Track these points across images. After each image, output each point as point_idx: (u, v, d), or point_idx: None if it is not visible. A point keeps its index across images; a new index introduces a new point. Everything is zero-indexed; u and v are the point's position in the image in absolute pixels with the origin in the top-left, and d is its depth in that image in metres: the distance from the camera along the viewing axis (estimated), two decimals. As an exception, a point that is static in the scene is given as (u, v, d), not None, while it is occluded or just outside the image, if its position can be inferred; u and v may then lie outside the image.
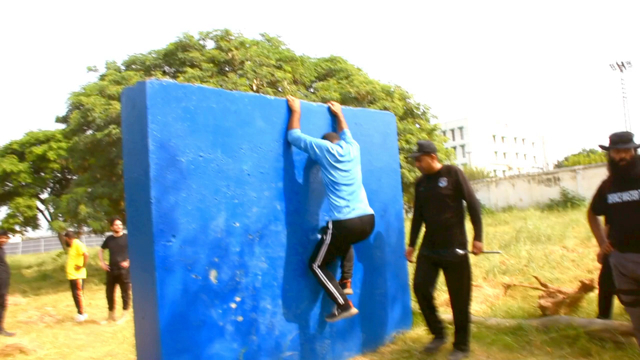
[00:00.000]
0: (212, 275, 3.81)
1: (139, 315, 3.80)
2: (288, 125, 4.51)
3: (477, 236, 4.80)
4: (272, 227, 4.27)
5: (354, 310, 4.42)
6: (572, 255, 9.96)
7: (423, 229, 5.10)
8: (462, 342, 4.74)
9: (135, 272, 3.83)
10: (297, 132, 4.48)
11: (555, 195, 27.99)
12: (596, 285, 5.67)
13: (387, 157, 5.53)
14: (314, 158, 4.50)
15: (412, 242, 5.19)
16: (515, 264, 9.07)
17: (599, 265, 8.52)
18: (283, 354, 4.19)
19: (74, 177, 22.06)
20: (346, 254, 4.74)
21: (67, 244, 9.91)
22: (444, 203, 4.77)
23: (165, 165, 3.63)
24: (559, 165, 48.74)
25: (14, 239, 33.03)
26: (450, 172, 4.87)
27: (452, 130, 68.36)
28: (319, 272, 4.38)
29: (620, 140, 3.86)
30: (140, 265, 3.74)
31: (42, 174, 25.08)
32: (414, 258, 5.13)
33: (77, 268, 9.48)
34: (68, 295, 12.27)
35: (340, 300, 4.36)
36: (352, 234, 4.50)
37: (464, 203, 4.86)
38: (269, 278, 4.19)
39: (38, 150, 23.40)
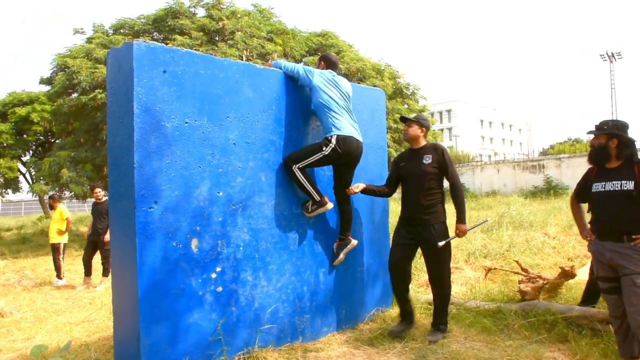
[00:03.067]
0: (194, 244, 3.76)
1: (117, 282, 3.75)
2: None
3: (461, 219, 4.75)
4: (256, 198, 4.21)
5: (329, 205, 4.60)
6: (553, 242, 10.05)
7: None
8: (441, 322, 4.74)
9: (116, 238, 3.76)
10: (284, 61, 4.68)
11: (539, 182, 28.25)
12: (576, 272, 5.71)
13: (375, 133, 5.48)
14: (309, 82, 4.57)
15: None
16: (497, 248, 9.12)
17: (579, 253, 8.65)
18: (262, 326, 4.16)
19: (57, 141, 21.77)
20: (337, 174, 4.85)
21: (51, 207, 9.77)
22: (426, 180, 4.69)
23: (149, 130, 3.54)
24: (544, 153, 49.05)
25: (-7, 200, 32.72)
26: (437, 149, 4.81)
27: (440, 113, 68.29)
28: (298, 173, 4.44)
29: (596, 127, 3.90)
30: (120, 231, 3.67)
31: (25, 136, 24.71)
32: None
33: (60, 233, 9.37)
34: (47, 259, 12.18)
35: (317, 197, 4.54)
36: (349, 153, 4.59)
37: (445, 184, 4.82)
38: (251, 250, 4.14)
39: (21, 111, 23.03)
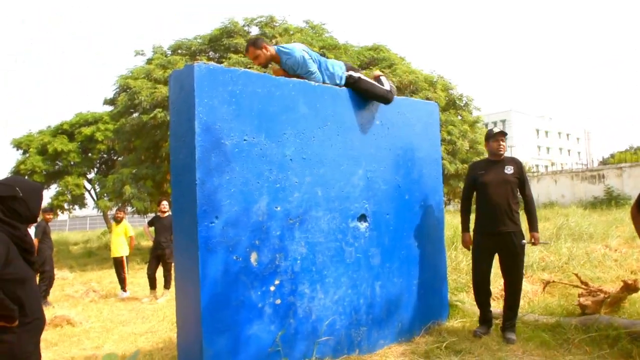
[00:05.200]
0: (253, 257, 3.89)
1: (181, 295, 3.90)
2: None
3: (534, 227, 5.09)
4: (313, 212, 4.31)
5: None
6: (615, 254, 9.70)
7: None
8: (513, 323, 5.03)
9: (179, 252, 3.93)
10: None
11: (599, 193, 27.28)
12: (639, 286, 5.54)
13: (429, 146, 5.49)
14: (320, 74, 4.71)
15: (468, 228, 5.36)
16: (555, 261, 8.89)
17: (644, 266, 8.32)
18: (319, 338, 4.24)
19: (120, 158, 22.64)
20: None
21: (115, 221, 10.16)
22: (509, 188, 5.01)
23: (210, 148, 3.71)
24: (603, 163, 47.34)
25: (62, 216, 34.22)
26: (516, 162, 5.16)
27: (495, 123, 66.69)
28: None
29: None
30: (183, 245, 3.84)
31: (90, 154, 25.87)
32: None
33: (124, 246, 9.76)
34: (112, 272, 12.63)
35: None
36: None
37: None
38: (308, 263, 4.24)
39: (87, 131, 24.15)
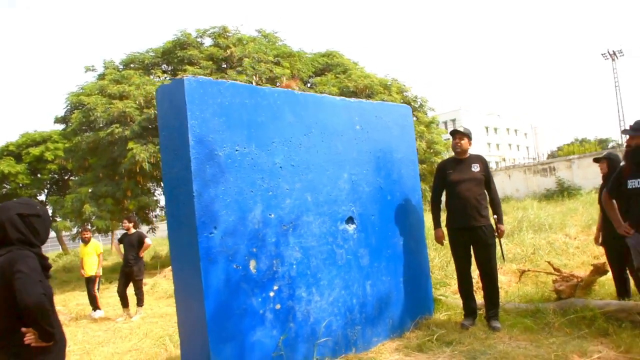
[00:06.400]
0: (252, 265, 3.95)
1: (182, 307, 3.92)
2: None
3: (500, 220, 5.32)
4: (304, 217, 4.40)
5: None
6: (575, 242, 10.18)
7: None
8: (496, 311, 5.25)
9: (178, 264, 3.94)
10: None
11: (552, 185, 28.30)
12: (608, 269, 5.86)
13: (406, 148, 5.67)
14: None
15: (439, 224, 5.58)
16: (521, 252, 9.26)
17: (602, 251, 8.80)
18: (318, 340, 4.33)
19: (72, 178, 22.06)
20: None
21: (83, 241, 9.94)
22: (476, 185, 5.24)
23: (204, 159, 3.75)
24: (552, 156, 49.15)
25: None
26: (481, 160, 5.39)
27: (445, 122, 68.33)
28: None
29: (631, 128, 4.11)
30: (182, 257, 3.86)
31: (39, 175, 25.08)
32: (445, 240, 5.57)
33: (96, 265, 9.56)
34: (76, 294, 12.35)
35: None
36: None
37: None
38: (303, 267, 4.33)
39: (35, 151, 23.43)
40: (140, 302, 9.02)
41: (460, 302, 5.58)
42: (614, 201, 4.54)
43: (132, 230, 9.24)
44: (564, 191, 26.16)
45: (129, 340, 7.14)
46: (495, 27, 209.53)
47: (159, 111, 4.04)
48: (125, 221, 9.39)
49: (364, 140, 5.09)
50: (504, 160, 56.46)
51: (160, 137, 4.04)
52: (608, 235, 5.50)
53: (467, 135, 5.40)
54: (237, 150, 3.97)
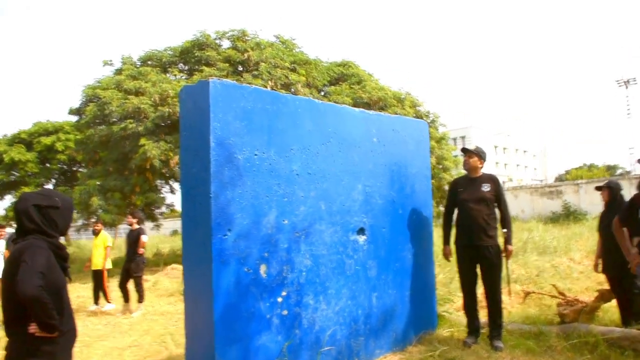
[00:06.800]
0: (262, 269, 3.98)
1: (191, 306, 3.95)
2: None
3: (509, 240, 5.31)
4: (317, 226, 4.43)
5: None
6: (580, 267, 10.17)
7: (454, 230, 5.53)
8: (500, 332, 5.23)
9: (190, 264, 3.97)
10: None
11: (557, 208, 28.22)
12: (613, 295, 5.87)
13: (420, 163, 5.71)
14: None
15: (448, 241, 5.58)
16: (525, 274, 9.25)
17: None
18: (322, 348, 4.34)
19: (81, 170, 22.19)
20: None
21: (94, 233, 9.98)
22: (486, 204, 5.24)
23: (223, 162, 3.79)
24: (559, 179, 49.08)
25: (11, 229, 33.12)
26: (494, 180, 5.39)
27: (454, 139, 68.40)
28: None
29: None
30: (194, 257, 3.89)
31: (48, 164, 25.21)
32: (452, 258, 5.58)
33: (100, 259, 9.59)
34: (77, 286, 12.37)
35: None
36: None
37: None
38: (312, 275, 4.36)
39: (46, 140, 23.57)
40: (140, 299, 9.05)
41: (463, 319, 5.59)
42: (625, 229, 4.56)
43: (135, 227, 9.29)
44: (570, 215, 26.09)
45: (129, 335, 7.18)
46: (511, 47, 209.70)
47: (181, 111, 4.09)
48: (130, 217, 9.46)
49: (380, 153, 5.13)
50: (511, 180, 56.36)
51: (180, 137, 4.08)
52: (609, 263, 5.55)
53: (477, 154, 5.42)
54: (256, 155, 4.01)
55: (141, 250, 9.04)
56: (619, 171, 57.42)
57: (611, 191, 5.60)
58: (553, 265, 10.00)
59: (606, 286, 6.03)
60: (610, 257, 5.43)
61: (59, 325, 2.62)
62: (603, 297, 6.03)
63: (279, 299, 4.08)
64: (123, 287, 9.11)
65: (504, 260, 5.41)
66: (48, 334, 2.59)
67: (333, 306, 4.51)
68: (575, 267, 10.08)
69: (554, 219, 26.15)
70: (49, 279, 2.59)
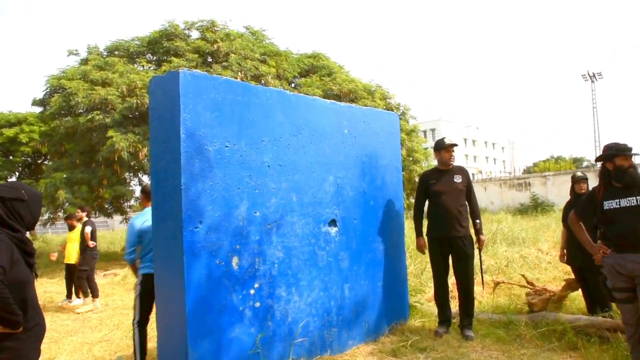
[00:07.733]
0: (234, 261, 3.95)
1: (162, 300, 3.90)
2: None
3: (481, 231, 5.45)
4: (289, 217, 4.42)
5: None
6: (547, 257, 10.36)
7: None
8: (471, 321, 5.34)
9: (160, 258, 3.91)
10: None
11: (526, 200, 28.78)
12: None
13: (391, 155, 5.73)
14: None
15: (421, 232, 5.63)
16: (495, 264, 9.39)
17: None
18: (295, 340, 4.34)
19: (47, 162, 21.69)
20: None
21: (70, 228, 9.73)
22: (458, 196, 5.33)
23: (194, 153, 3.74)
24: (527, 171, 49.97)
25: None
26: (463, 171, 5.49)
27: (424, 132, 68.94)
28: None
29: (627, 149, 4.15)
30: (165, 250, 3.84)
31: (11, 157, 24.56)
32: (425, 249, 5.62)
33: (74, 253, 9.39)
34: (43, 281, 12.10)
35: None
36: None
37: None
38: (284, 267, 4.34)
39: (9, 132, 22.92)
40: (86, 294, 8.86)
41: (435, 309, 5.66)
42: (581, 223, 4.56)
43: (85, 219, 9.15)
44: (538, 206, 26.62)
45: (98, 330, 7.07)
46: (479, 41, 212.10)
47: (150, 102, 4.02)
48: (79, 211, 9.36)
49: (351, 144, 5.13)
50: (480, 172, 57.12)
51: (150, 129, 4.01)
52: (574, 254, 5.66)
53: (455, 146, 5.55)
54: (226, 147, 3.97)
55: (91, 244, 8.85)
56: (584, 164, 58.72)
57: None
58: (522, 255, 10.15)
59: (573, 276, 6.16)
60: (574, 249, 5.52)
61: (23, 322, 2.55)
62: (570, 286, 6.16)
63: (252, 291, 4.06)
64: (69, 282, 8.98)
65: (476, 250, 5.47)
66: (11, 330, 2.51)
67: (305, 298, 4.51)
68: (543, 258, 10.26)
69: (522, 210, 26.67)
70: (11, 275, 2.51)
